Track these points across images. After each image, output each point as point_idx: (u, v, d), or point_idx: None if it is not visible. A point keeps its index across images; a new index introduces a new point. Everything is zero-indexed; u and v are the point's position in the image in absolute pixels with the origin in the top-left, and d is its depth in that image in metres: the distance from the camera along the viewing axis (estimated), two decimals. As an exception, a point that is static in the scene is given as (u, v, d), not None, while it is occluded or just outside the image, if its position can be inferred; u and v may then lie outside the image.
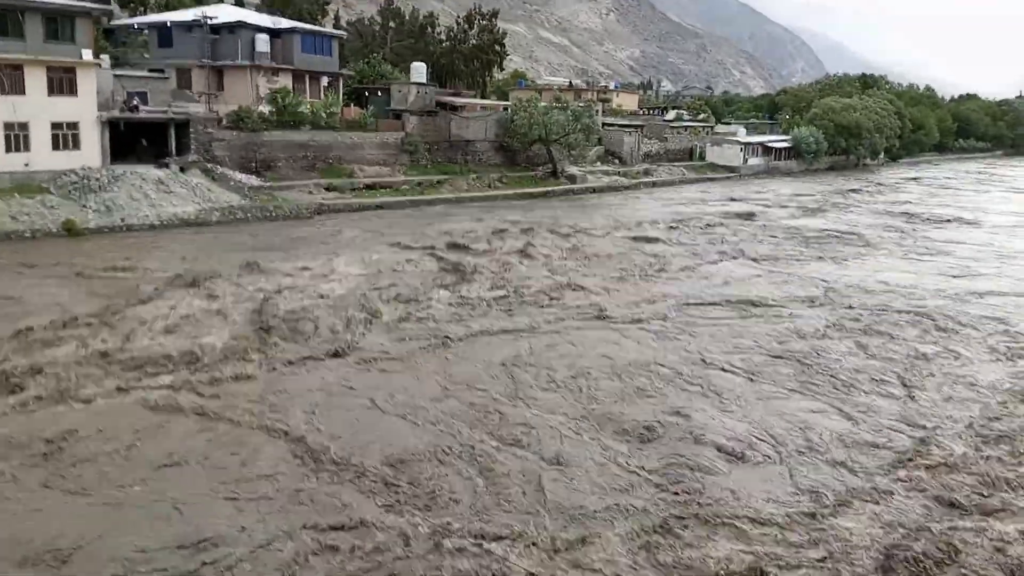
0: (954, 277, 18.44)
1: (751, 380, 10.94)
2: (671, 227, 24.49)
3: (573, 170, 36.20)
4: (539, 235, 21.62)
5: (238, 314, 12.98)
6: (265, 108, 29.37)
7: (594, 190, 35.12)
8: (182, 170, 26.11)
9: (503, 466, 8.19)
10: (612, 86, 66.35)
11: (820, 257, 20.50)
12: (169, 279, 15.06)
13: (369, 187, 30.44)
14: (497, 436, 8.87)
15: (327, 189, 29.20)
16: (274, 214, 25.45)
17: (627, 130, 41.31)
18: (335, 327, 12.51)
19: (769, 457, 8.56)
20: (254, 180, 27.44)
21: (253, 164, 28.12)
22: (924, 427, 9.44)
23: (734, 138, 44.98)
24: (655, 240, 22.03)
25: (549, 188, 33.98)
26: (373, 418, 9.36)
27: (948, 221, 28.20)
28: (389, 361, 11.21)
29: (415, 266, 17.32)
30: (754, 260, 19.69)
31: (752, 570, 6.52)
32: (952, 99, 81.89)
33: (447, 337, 12.33)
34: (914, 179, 46.31)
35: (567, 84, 53.61)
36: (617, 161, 39.80)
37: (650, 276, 17.64)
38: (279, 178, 28.42)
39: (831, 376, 11.26)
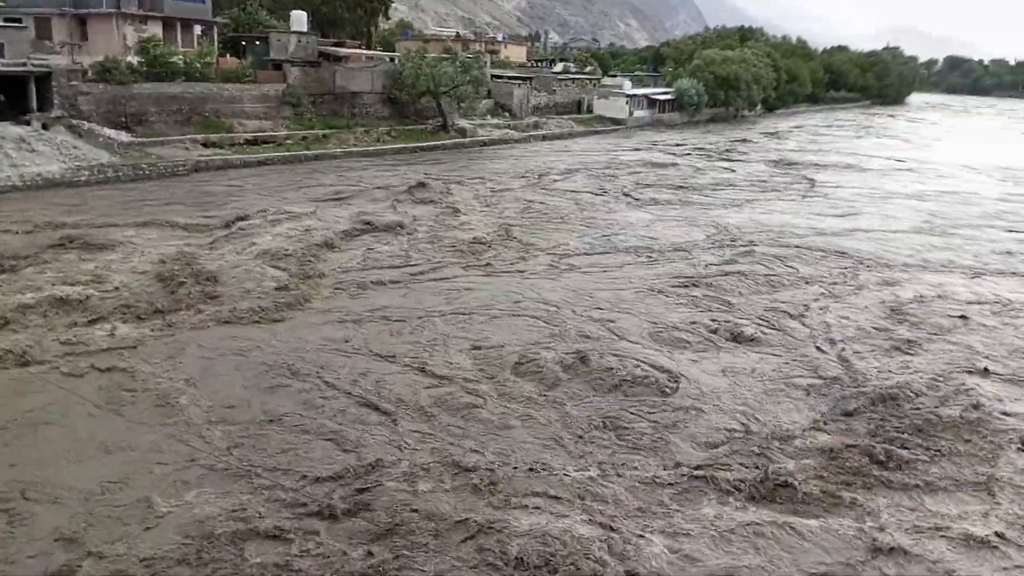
0: (837, 216, 20.01)
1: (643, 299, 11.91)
2: (569, 177, 25.05)
3: (463, 123, 36.23)
4: (434, 187, 21.83)
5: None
6: (134, 59, 27.93)
7: (485, 143, 35.28)
8: (45, 127, 24.56)
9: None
10: (500, 38, 66.14)
11: (714, 203, 21.56)
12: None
13: (250, 142, 29.46)
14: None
15: (204, 145, 28.08)
16: (148, 172, 24.36)
17: (516, 83, 41.55)
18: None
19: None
20: (124, 136, 26.13)
21: (123, 119, 26.76)
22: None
23: (620, 91, 45.97)
24: (560, 191, 22.55)
25: (440, 142, 33.91)
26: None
27: (831, 166, 30.17)
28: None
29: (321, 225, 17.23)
30: (654, 205, 20.65)
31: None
32: (824, 51, 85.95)
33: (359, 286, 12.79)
34: (794, 128, 48.81)
35: (455, 35, 53.11)
36: (507, 114, 40.07)
37: (557, 224, 18.16)
38: (152, 134, 27.16)
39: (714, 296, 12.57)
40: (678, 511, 6.97)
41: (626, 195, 22.14)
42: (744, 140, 39.22)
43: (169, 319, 10.93)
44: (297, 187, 21.76)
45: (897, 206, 22.13)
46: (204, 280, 12.51)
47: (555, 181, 23.89)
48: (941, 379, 9.82)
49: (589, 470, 7.53)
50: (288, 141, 30.12)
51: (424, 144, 33.06)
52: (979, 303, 13.24)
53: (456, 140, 34.67)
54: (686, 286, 13.48)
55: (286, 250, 14.21)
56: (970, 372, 10.12)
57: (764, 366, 10.15)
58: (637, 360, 10.05)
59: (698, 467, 7.62)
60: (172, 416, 8.29)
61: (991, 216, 21.18)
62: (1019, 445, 8.36)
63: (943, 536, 6.84)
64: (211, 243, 15.00)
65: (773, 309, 12.32)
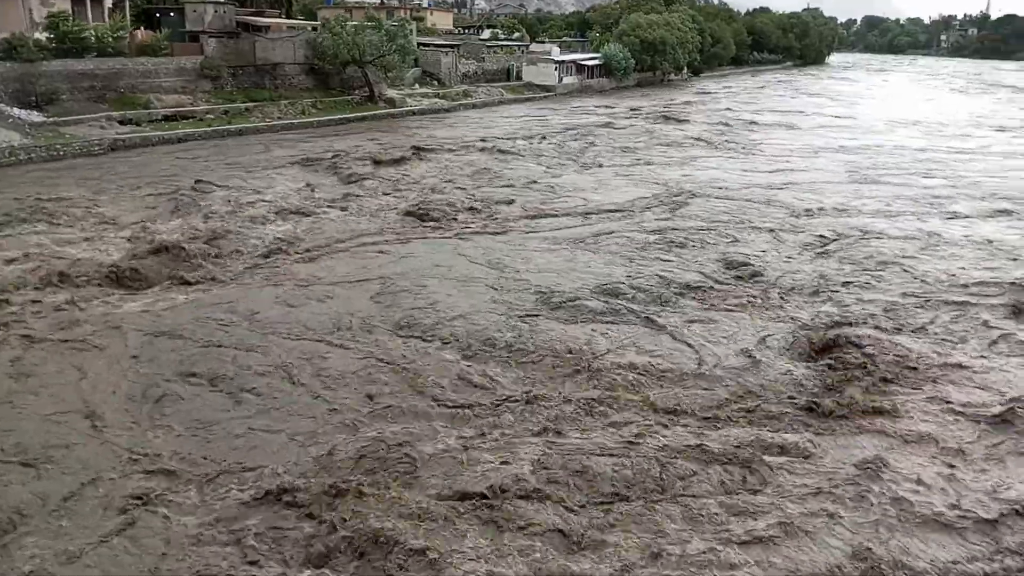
0: (774, 170, 20.97)
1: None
2: (511, 144, 24.97)
3: (391, 93, 35.92)
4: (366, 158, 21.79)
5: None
6: (42, 35, 26.87)
7: (414, 113, 35.06)
8: (-54, 107, 23.58)
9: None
10: (425, 3, 65.37)
11: (658, 162, 22.11)
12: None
13: (169, 118, 28.61)
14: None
15: (121, 122, 27.24)
16: (62, 152, 23.57)
17: (444, 50, 41.30)
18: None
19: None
20: (35, 116, 25.16)
21: (33, 98, 25.72)
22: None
23: (549, 57, 46.16)
24: (504, 157, 22.64)
25: (368, 112, 33.53)
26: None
27: (765, 125, 31.15)
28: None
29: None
30: (600, 168, 21.06)
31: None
32: (746, 13, 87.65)
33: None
34: (723, 90, 49.89)
35: (379, 1, 52.26)
36: (436, 83, 39.88)
37: (506, 190, 18.25)
38: (65, 112, 26.16)
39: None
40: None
41: (573, 159, 22.47)
42: (676, 103, 39.98)
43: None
44: (224, 162, 21.37)
45: (828, 159, 23.26)
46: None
47: (497, 148, 24.01)
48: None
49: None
50: (209, 116, 29.39)
51: (351, 115, 32.64)
52: (903, 239, 14.55)
53: (385, 111, 34.36)
54: (640, 245, 13.96)
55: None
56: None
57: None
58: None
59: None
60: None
61: (911, 165, 22.42)
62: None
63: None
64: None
65: (722, 256, 13.09)
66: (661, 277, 12.02)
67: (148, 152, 24.04)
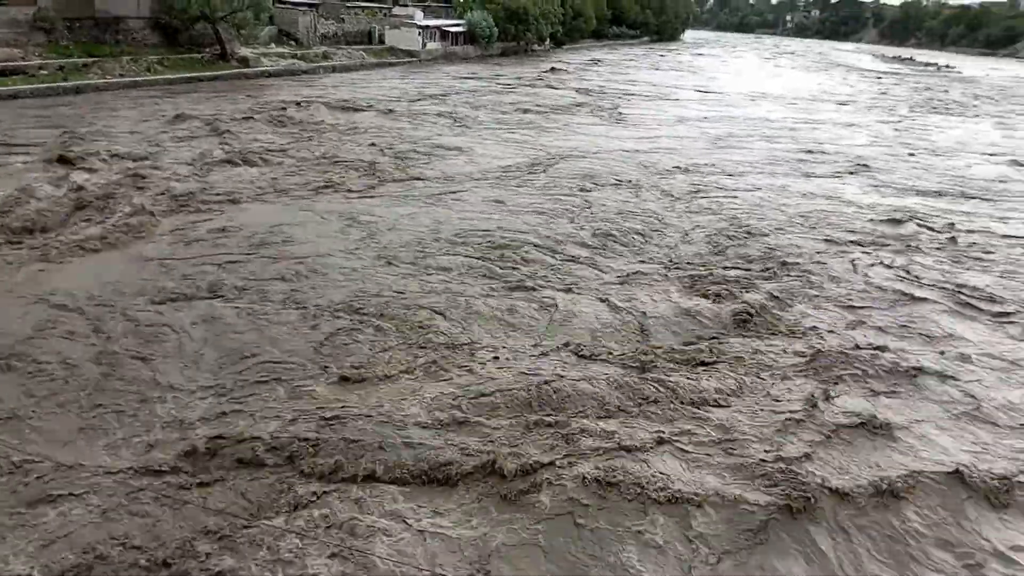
0: (638, 138, 21.90)
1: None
2: (387, 106, 24.67)
3: (245, 52, 34.52)
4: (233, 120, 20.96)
5: None
6: None
7: (270, 74, 33.84)
8: None
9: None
10: (275, -38, 62.93)
11: (535, 129, 22.53)
12: None
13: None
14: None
15: (-58, 76, 25.02)
16: None
17: (301, 9, 40.04)
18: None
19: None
20: None
21: None
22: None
23: (412, 22, 45.76)
24: (380, 121, 22.13)
25: (219, 72, 32.07)
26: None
27: (633, 95, 32.35)
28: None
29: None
30: (478, 132, 21.19)
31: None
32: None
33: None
34: (588, 62, 51.11)
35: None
36: (293, 43, 38.66)
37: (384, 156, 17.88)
38: None
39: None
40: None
41: (456, 122, 22.59)
42: (544, 72, 40.68)
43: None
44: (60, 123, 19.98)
45: (690, 127, 24.61)
46: None
47: (373, 111, 23.70)
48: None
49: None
50: (42, 72, 27.34)
51: (202, 74, 31.13)
52: (741, 190, 16.17)
53: (238, 70, 32.98)
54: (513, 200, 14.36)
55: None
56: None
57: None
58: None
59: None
60: None
61: (765, 132, 24.25)
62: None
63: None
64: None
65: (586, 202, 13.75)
66: (540, 224, 12.57)
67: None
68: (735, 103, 32.34)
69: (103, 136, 17.61)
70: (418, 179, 15.57)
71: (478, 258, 10.97)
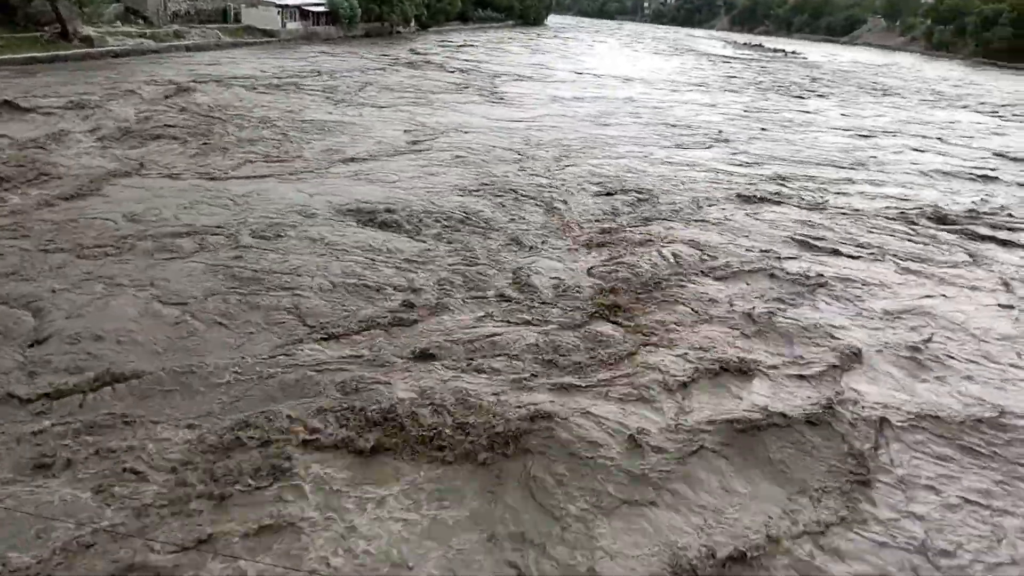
0: (515, 116, 22.80)
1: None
2: (247, 85, 24.35)
3: (88, 31, 32.92)
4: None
5: None
6: None
7: (117, 54, 32.49)
8: None
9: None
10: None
11: (411, 106, 22.92)
12: None
13: None
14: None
15: None
16: None
17: (148, -14, 38.55)
18: None
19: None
20: None
21: None
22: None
23: (271, 0, 44.85)
24: (241, 101, 21.87)
25: (60, 52, 30.59)
26: None
27: (506, 76, 33.21)
28: None
29: None
30: (357, 109, 21.55)
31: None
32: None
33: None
34: (456, 44, 51.55)
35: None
36: (141, 21, 37.15)
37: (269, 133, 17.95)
38: None
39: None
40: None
41: (334, 103, 22.63)
42: (413, 54, 40.91)
43: None
44: None
45: (563, 105, 25.83)
46: None
47: (234, 90, 23.34)
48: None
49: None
50: None
51: (41, 55, 29.51)
52: (614, 158, 17.35)
53: (82, 50, 31.47)
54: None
55: None
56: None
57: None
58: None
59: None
60: None
61: (633, 110, 25.73)
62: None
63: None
64: None
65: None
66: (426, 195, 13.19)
67: None
68: (603, 84, 33.89)
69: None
70: (300, 158, 15.80)
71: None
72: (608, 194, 14.37)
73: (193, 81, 24.09)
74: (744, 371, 7.61)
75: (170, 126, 17.44)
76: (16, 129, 16.09)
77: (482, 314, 8.64)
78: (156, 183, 13.04)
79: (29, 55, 30.13)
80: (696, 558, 5.22)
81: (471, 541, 5.28)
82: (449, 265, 10.09)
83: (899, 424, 6.98)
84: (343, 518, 5.40)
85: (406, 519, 5.44)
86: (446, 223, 11.83)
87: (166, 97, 21.13)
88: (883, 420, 7.00)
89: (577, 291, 9.53)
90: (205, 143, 16.13)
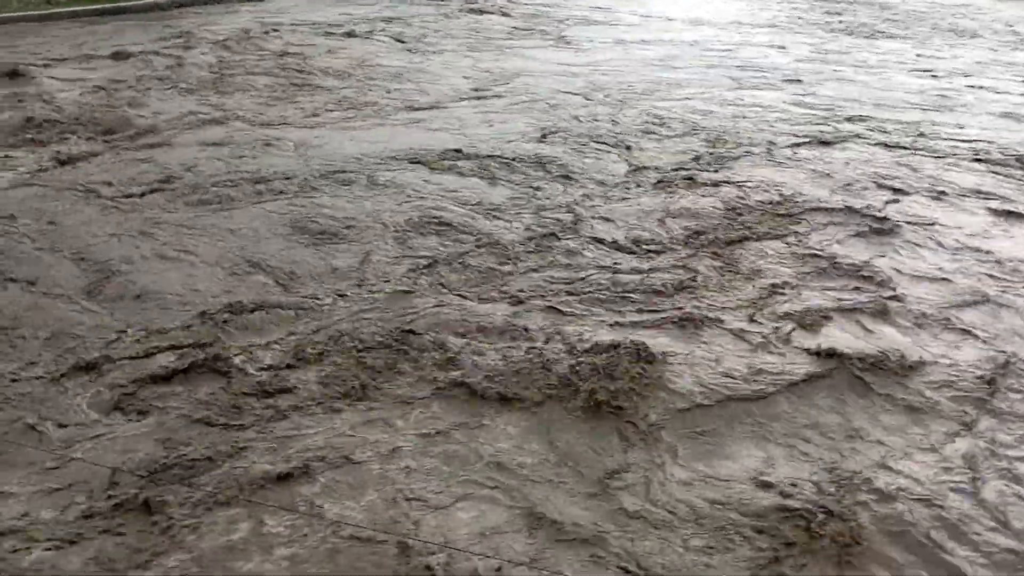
0: (584, 60, 22.50)
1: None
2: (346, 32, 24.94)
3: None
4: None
5: None
6: None
7: (182, 4, 33.15)
8: None
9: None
10: None
11: (477, 51, 22.63)
12: None
13: None
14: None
15: None
16: None
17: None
18: None
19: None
20: None
21: None
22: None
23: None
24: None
25: (126, 3, 31.31)
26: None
27: (570, 21, 32.67)
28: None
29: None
30: (431, 55, 21.41)
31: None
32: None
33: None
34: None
35: None
36: (202, -29, 37.68)
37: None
38: None
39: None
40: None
41: (403, 48, 22.92)
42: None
43: None
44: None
45: (630, 48, 25.59)
46: None
47: (304, 38, 23.67)
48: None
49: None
50: (-69, 3, 26.26)
51: (108, 6, 30.04)
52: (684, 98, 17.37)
53: (149, 0, 32.20)
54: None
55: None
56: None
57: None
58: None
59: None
60: None
61: (701, 55, 25.32)
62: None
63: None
64: None
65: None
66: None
67: None
68: (669, 27, 33.29)
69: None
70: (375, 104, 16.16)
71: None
72: (679, 136, 14.41)
73: (266, 31, 24.50)
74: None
75: (249, 74, 18.00)
76: (100, 77, 16.78)
77: (566, 261, 8.88)
78: (234, 130, 13.53)
79: (98, 6, 30.88)
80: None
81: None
82: (527, 210, 10.34)
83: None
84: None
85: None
86: (518, 167, 12.06)
87: (239, 43, 21.70)
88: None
89: (663, 234, 9.73)
90: (280, 91, 16.62)
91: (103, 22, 26.86)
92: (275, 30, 24.95)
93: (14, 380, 6.28)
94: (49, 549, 4.50)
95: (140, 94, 15.62)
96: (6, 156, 11.84)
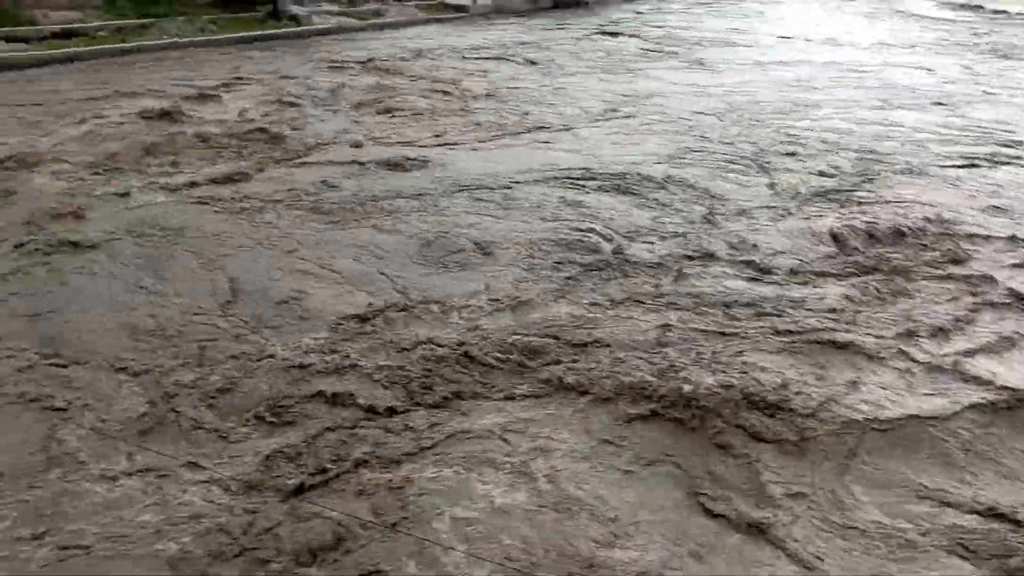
0: (720, 81, 22.45)
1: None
2: (477, 56, 25.76)
3: (296, 10, 35.52)
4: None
5: None
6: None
7: (322, 32, 34.87)
8: None
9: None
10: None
11: (614, 73, 23.05)
12: None
13: (58, 35, 27.78)
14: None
15: (6, 40, 26.35)
16: (-59, 72, 22.71)
17: (349, -35, 40.93)
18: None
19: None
20: (-87, 30, 24.08)
21: (-98, 8, 24.56)
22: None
23: (459, -25, 46.24)
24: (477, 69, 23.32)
25: (273, 31, 33.07)
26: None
27: (707, 43, 32.54)
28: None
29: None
30: (571, 76, 21.89)
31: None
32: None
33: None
34: (648, 11, 50.46)
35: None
36: (345, 0, 39.64)
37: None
38: (-57, 26, 25.16)
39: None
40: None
41: (535, 70, 23.47)
42: (607, 22, 40.92)
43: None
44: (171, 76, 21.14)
45: (766, 70, 25.22)
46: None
47: (442, 63, 24.59)
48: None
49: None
50: (101, 33, 28.60)
51: (256, 34, 32.11)
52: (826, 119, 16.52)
53: (291, 29, 33.97)
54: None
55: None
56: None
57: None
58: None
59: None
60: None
61: (842, 75, 24.61)
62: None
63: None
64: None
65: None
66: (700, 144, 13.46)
67: (35, 73, 23.28)
68: (807, 48, 32.59)
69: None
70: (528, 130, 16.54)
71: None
72: (822, 156, 14.05)
73: (408, 56, 25.57)
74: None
75: (394, 96, 18.83)
76: (261, 99, 17.92)
77: (709, 284, 8.76)
78: (380, 149, 14.13)
79: (248, 34, 32.91)
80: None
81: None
82: (666, 231, 10.27)
83: None
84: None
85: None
86: (654, 188, 12.02)
87: (385, 68, 22.75)
88: None
89: (811, 257, 9.49)
90: (424, 113, 17.28)
91: (253, 49, 28.56)
92: (419, 55, 26.02)
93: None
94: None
95: (299, 116, 16.51)
96: (173, 171, 12.71)
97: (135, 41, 28.30)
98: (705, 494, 4.86)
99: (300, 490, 5.22)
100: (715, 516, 4.81)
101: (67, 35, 27.49)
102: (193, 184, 12.00)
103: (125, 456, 5.56)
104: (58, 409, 6.11)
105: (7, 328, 7.40)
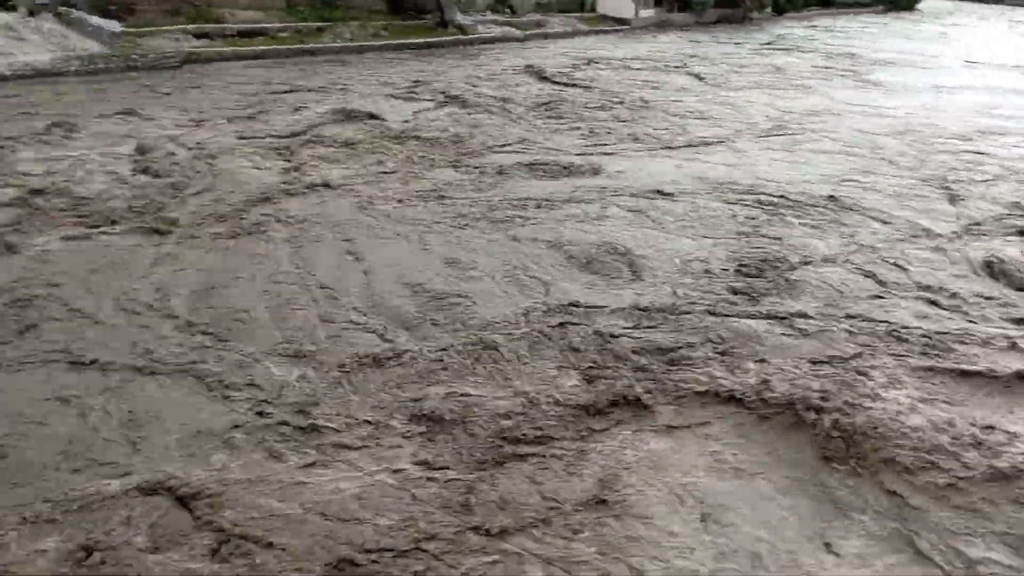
0: (899, 103, 21.77)
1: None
2: (637, 67, 26.17)
3: (462, 19, 36.79)
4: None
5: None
6: (120, -59, 28.31)
7: (485, 41, 35.96)
8: (31, 13, 24.90)
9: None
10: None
11: (782, 89, 22.88)
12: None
13: (242, 34, 29.95)
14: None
15: (196, 36, 28.71)
16: (138, 63, 24.91)
17: (517, -24, 42.03)
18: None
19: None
20: (115, 25, 26.41)
21: (112, 7, 27.21)
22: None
23: (624, -13, 46.54)
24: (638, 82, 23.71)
25: (439, 39, 34.38)
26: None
27: (879, 62, 31.58)
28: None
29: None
30: (736, 92, 21.63)
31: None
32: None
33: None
34: (819, 30, 49.40)
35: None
36: (507, 10, 40.67)
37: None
38: (143, 23, 27.61)
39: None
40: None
41: (700, 84, 23.45)
42: (773, 37, 40.33)
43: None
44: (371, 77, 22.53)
45: (944, 94, 23.95)
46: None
47: (607, 74, 24.96)
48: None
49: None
50: (282, 34, 30.63)
51: (424, 40, 33.51)
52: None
53: (456, 37, 35.18)
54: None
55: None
56: None
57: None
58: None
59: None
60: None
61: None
62: None
63: None
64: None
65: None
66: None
67: (223, 67, 25.32)
68: (994, 74, 30.84)
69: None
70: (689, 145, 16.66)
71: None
72: (1008, 183, 13.37)
73: (570, 66, 26.12)
74: None
75: (564, 103, 19.32)
76: (432, 104, 18.83)
77: (895, 313, 8.54)
78: (540, 152, 14.55)
79: (417, 40, 34.33)
80: None
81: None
82: (838, 254, 10.08)
83: None
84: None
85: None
86: (828, 209, 11.79)
87: (554, 77, 23.38)
88: None
89: (999, 288, 9.12)
90: (596, 121, 17.58)
91: (422, 55, 29.86)
92: (584, 65, 26.49)
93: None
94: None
95: (474, 123, 17.19)
96: (330, 168, 13.52)
97: (312, 43, 30.18)
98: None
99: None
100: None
101: (251, 34, 29.54)
102: (372, 180, 12.84)
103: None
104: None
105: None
